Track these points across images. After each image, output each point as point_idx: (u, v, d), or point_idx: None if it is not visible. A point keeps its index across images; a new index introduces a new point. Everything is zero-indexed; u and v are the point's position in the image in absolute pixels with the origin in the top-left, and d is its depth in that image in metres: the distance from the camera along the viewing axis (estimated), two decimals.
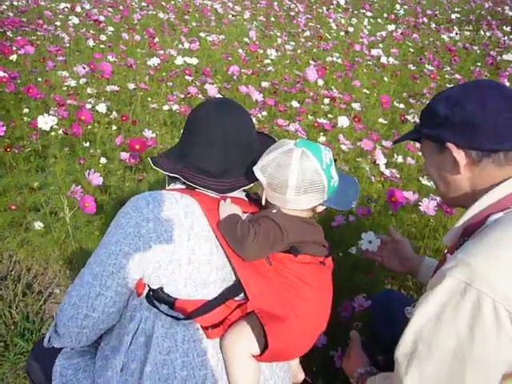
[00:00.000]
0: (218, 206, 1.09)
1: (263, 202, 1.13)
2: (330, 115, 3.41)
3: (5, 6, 6.52)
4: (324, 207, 1.13)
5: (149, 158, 1.18)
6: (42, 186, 2.72)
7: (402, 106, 3.62)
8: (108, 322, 1.05)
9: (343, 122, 3.00)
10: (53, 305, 2.36)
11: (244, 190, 1.20)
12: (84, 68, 3.27)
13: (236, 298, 1.06)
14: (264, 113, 3.18)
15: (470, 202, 0.98)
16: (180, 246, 1.01)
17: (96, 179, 2.04)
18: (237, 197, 1.15)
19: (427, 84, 4.30)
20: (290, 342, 1.04)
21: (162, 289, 1.01)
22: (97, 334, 1.07)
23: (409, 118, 3.30)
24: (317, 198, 1.08)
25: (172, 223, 1.02)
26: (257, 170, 1.09)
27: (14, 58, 4.02)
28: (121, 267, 1.01)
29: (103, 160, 2.53)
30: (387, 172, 2.42)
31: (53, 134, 2.54)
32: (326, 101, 3.44)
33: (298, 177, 1.04)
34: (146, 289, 1.03)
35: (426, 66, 4.68)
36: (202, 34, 5.44)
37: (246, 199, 1.20)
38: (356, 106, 3.36)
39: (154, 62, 3.50)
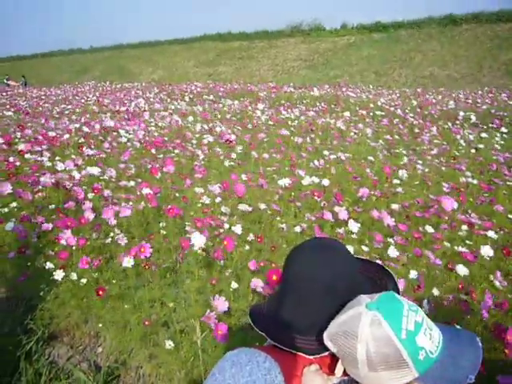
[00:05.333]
0: (303, 371, 0.99)
1: (337, 373, 0.96)
2: (468, 241, 3.15)
3: (153, 128, 7.52)
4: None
5: (249, 308, 1.15)
6: (174, 301, 2.81)
7: None
8: None
9: (487, 252, 2.74)
10: None
11: None
12: (220, 187, 3.51)
13: None
14: (395, 238, 3.02)
15: None
16: None
17: (221, 305, 2.05)
18: (326, 355, 1.01)
19: None
20: None
21: None
22: None
23: None
24: (402, 376, 0.85)
25: None
26: (326, 337, 0.95)
27: (158, 176, 4.52)
28: None
29: (234, 285, 2.56)
30: None
31: (199, 252, 2.66)
32: (464, 227, 3.20)
33: (368, 350, 0.85)
34: None
35: None
36: (326, 152, 5.62)
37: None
38: (492, 233, 3.07)
39: (284, 182, 3.62)
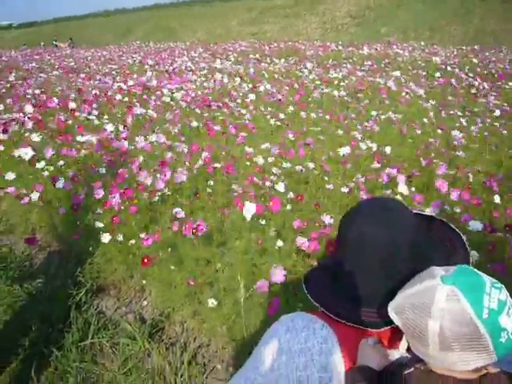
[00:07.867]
0: (360, 343, 0.91)
1: (401, 349, 0.89)
2: None
3: (194, 86, 7.51)
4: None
5: (303, 276, 1.05)
6: (219, 261, 2.79)
7: None
8: None
9: None
10: (214, 380, 2.35)
11: None
12: (276, 150, 3.45)
13: None
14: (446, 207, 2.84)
15: None
16: None
17: (279, 275, 2.01)
18: (387, 328, 0.91)
19: None
20: None
21: None
22: None
23: None
24: (477, 358, 0.73)
25: (304, 360, 0.92)
26: (391, 309, 0.85)
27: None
28: None
29: (279, 243, 2.51)
30: None
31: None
32: None
33: (442, 328, 0.74)
34: None
35: None
36: (374, 113, 5.38)
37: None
38: None
39: (344, 151, 3.45)
